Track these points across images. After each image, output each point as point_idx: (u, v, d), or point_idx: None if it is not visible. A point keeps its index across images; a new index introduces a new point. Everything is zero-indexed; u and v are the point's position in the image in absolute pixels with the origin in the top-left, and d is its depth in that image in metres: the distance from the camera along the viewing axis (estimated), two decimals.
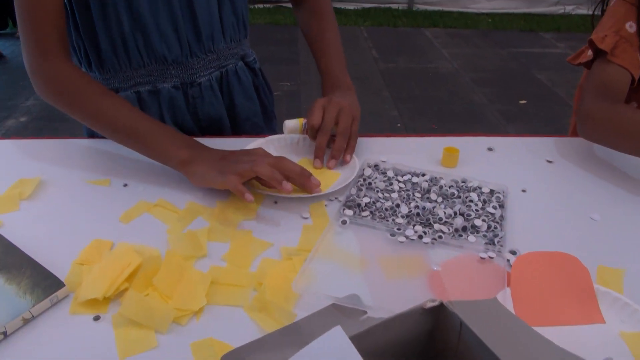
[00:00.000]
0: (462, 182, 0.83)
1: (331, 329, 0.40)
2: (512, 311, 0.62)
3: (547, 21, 5.74)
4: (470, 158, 0.93)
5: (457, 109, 3.57)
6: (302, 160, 0.90)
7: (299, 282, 0.61)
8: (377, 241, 0.71)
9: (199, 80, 0.98)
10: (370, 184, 0.82)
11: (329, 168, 0.87)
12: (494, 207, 0.77)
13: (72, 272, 0.64)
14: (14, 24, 4.56)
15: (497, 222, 0.74)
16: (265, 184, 0.78)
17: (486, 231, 0.73)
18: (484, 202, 0.79)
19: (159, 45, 0.90)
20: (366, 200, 0.77)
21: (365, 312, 0.59)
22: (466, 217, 0.74)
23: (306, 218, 0.76)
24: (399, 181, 0.82)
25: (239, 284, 0.63)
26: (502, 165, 0.92)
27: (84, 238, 0.70)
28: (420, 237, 0.71)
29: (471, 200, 0.78)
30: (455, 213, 0.75)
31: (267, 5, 5.89)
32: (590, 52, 0.98)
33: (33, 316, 0.58)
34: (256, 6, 5.82)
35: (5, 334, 0.56)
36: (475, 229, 0.73)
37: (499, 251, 0.69)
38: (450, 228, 0.73)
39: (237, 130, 1.08)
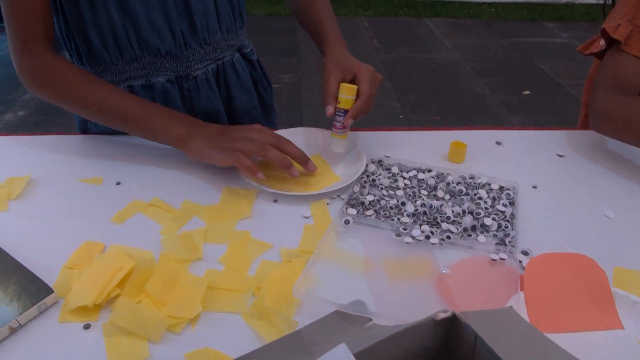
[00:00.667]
0: (470, 178, 0.80)
1: (336, 347, 0.37)
2: (526, 316, 0.59)
3: (550, 10, 5.66)
4: (477, 153, 0.89)
5: (459, 100, 3.53)
6: (315, 156, 0.86)
7: (300, 287, 0.58)
8: (381, 242, 0.67)
9: (195, 73, 0.94)
10: (374, 180, 0.78)
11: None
12: (504, 205, 0.74)
13: (62, 277, 0.61)
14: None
15: (508, 221, 0.71)
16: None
17: (496, 230, 0.70)
18: (494, 199, 0.75)
19: (151, 37, 0.86)
20: (370, 198, 0.74)
21: (371, 319, 0.56)
22: (475, 216, 0.71)
23: (307, 217, 0.73)
24: (404, 178, 0.79)
25: (236, 288, 0.60)
26: (511, 160, 0.88)
27: (75, 240, 0.66)
28: (428, 237, 0.67)
29: (480, 198, 0.75)
30: (463, 211, 0.71)
31: None
32: (602, 42, 0.94)
33: (20, 325, 0.55)
34: None
35: None
36: (485, 228, 0.70)
37: (511, 252, 0.66)
38: (459, 227, 0.69)
39: (234, 124, 1.04)
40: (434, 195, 0.75)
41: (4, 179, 0.78)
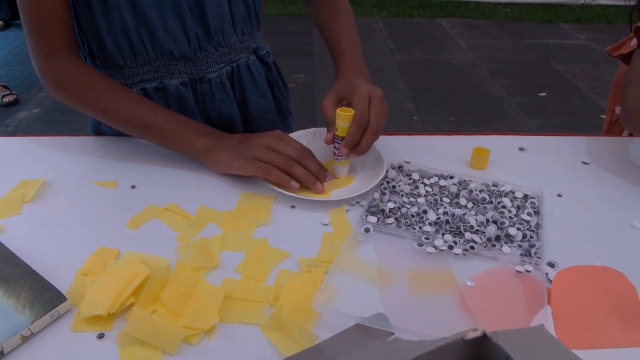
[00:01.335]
0: (494, 186, 0.77)
1: None
2: (553, 331, 0.57)
3: (566, 11, 5.59)
4: (500, 159, 0.87)
5: (474, 102, 3.49)
6: (326, 162, 0.84)
7: (319, 299, 0.56)
8: (403, 252, 0.65)
9: (209, 76, 0.93)
10: (394, 187, 0.76)
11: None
12: (529, 214, 0.71)
13: (75, 284, 0.60)
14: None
15: (533, 231, 0.69)
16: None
17: (521, 241, 0.67)
18: (518, 208, 0.73)
19: (165, 40, 0.85)
20: (390, 205, 0.71)
21: (393, 334, 0.54)
22: (499, 225, 0.68)
23: (326, 225, 0.71)
24: (425, 184, 0.77)
25: (254, 299, 0.58)
26: (534, 167, 0.86)
27: (88, 245, 0.65)
28: (451, 247, 0.65)
29: (504, 206, 0.72)
30: (487, 221, 0.69)
31: None
32: (634, 42, 0.91)
33: (32, 333, 0.54)
34: None
35: (2, 353, 0.51)
36: (509, 238, 0.68)
37: (536, 264, 0.64)
38: (482, 237, 0.67)
39: (249, 128, 1.03)
40: (456, 203, 0.73)
41: (18, 180, 0.77)
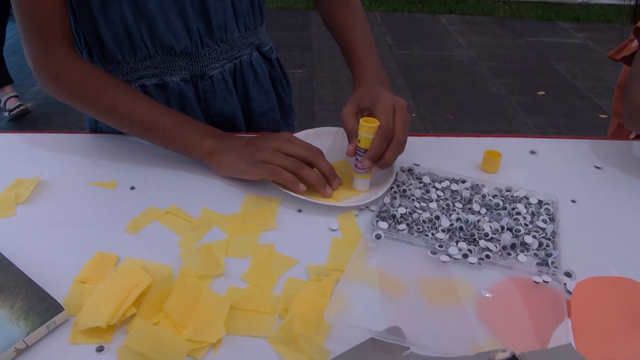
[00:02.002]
0: (507, 191, 0.75)
1: None
2: (573, 345, 0.54)
3: (565, 10, 5.58)
4: (511, 162, 0.84)
5: (473, 99, 3.47)
6: (337, 162, 0.82)
7: (331, 312, 0.53)
8: (416, 260, 0.63)
9: (211, 72, 0.89)
10: (404, 191, 0.73)
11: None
12: (544, 221, 0.69)
13: (73, 292, 0.57)
14: None
15: (549, 239, 0.66)
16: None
17: (537, 249, 0.65)
18: (533, 214, 0.70)
19: (166, 35, 0.81)
20: (402, 210, 0.69)
21: (408, 348, 0.51)
22: (515, 233, 0.66)
23: (334, 230, 0.68)
24: (437, 189, 0.74)
25: (262, 309, 0.55)
26: (547, 171, 0.83)
27: (86, 250, 0.62)
28: (465, 256, 0.63)
29: (518, 213, 0.70)
30: (502, 228, 0.66)
31: None
32: (635, 43, 0.89)
33: (28, 346, 0.51)
34: None
35: None
36: (525, 246, 0.65)
37: (554, 274, 0.61)
38: (497, 245, 0.64)
39: (252, 126, 1.00)
40: (469, 209, 0.70)
41: (12, 179, 0.74)
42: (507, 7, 5.62)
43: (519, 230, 0.66)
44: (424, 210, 0.70)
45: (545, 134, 2.53)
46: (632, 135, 1.07)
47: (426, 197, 0.72)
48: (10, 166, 0.78)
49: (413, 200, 0.72)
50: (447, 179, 0.76)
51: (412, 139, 0.90)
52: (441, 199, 0.72)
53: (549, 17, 5.39)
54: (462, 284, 0.60)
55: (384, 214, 0.68)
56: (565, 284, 0.61)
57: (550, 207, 0.72)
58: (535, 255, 0.64)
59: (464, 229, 0.66)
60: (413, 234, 0.66)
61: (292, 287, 0.58)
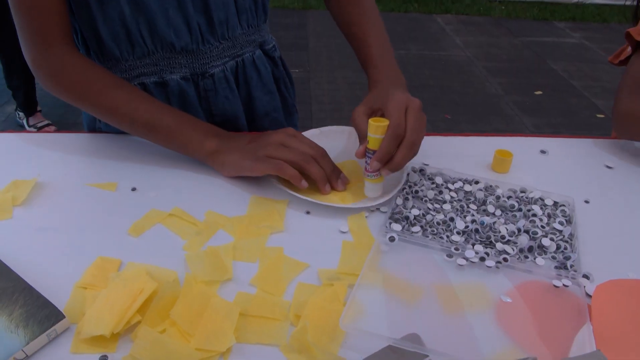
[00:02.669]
0: (522, 192, 0.72)
1: None
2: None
3: (561, 10, 5.58)
4: (521, 162, 0.82)
5: (471, 99, 3.46)
6: (350, 162, 0.79)
7: (346, 318, 0.51)
8: (432, 264, 0.60)
9: (212, 70, 0.86)
10: (417, 192, 0.71)
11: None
12: (561, 223, 0.67)
13: (74, 298, 0.54)
14: None
15: (567, 242, 0.64)
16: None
17: (555, 252, 0.63)
18: (549, 216, 0.68)
19: (165, 31, 0.79)
20: (415, 212, 0.66)
21: (427, 356, 0.49)
22: (532, 236, 0.64)
23: (344, 232, 0.66)
24: (450, 190, 0.72)
25: (272, 316, 0.53)
26: (558, 171, 0.81)
27: (87, 254, 0.59)
28: (482, 259, 0.60)
29: (534, 215, 0.68)
30: (518, 230, 0.64)
31: None
32: (630, 49, 0.89)
33: (27, 356, 0.48)
34: None
35: None
36: (542, 249, 0.63)
37: (574, 277, 0.59)
38: (514, 248, 0.62)
39: (254, 126, 0.97)
40: (484, 211, 0.68)
41: (8, 181, 0.71)
42: (503, 7, 5.62)
43: (536, 233, 0.64)
44: (438, 212, 0.67)
45: (545, 134, 2.52)
46: None
47: (439, 198, 0.70)
48: (7, 167, 0.75)
49: (426, 201, 0.70)
50: (459, 180, 0.74)
51: None
52: (455, 200, 0.70)
53: (545, 17, 5.39)
54: (480, 288, 0.58)
55: (397, 216, 0.66)
56: (584, 286, 0.59)
57: (566, 209, 0.70)
58: (553, 258, 0.62)
59: (480, 231, 0.64)
60: (427, 237, 0.63)
61: (304, 293, 0.56)
